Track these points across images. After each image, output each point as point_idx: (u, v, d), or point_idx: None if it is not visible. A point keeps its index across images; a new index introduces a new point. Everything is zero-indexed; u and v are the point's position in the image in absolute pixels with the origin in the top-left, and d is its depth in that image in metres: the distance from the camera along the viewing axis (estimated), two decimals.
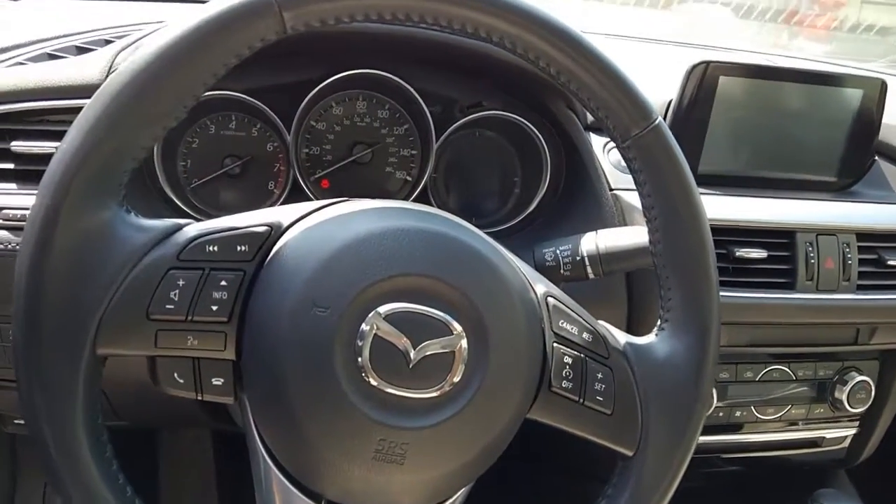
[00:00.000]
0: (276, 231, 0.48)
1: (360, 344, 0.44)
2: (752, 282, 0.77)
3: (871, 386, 0.87)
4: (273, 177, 0.79)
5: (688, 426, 0.53)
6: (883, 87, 0.84)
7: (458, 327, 0.46)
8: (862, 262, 0.80)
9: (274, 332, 0.45)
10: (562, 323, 0.51)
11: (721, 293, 0.76)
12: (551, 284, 0.54)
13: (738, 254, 0.76)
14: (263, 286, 0.46)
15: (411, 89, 0.74)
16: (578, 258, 0.65)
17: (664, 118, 0.83)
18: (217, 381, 0.46)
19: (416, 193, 0.78)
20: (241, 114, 0.78)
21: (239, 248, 0.47)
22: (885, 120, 0.86)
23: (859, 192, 0.87)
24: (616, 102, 0.51)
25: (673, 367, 0.53)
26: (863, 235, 0.81)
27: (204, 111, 0.77)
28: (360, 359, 0.44)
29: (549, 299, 0.52)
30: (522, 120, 0.77)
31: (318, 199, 0.78)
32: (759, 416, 0.86)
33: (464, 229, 0.51)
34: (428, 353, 0.45)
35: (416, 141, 0.79)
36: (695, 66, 0.79)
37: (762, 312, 0.77)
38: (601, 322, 0.54)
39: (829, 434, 0.91)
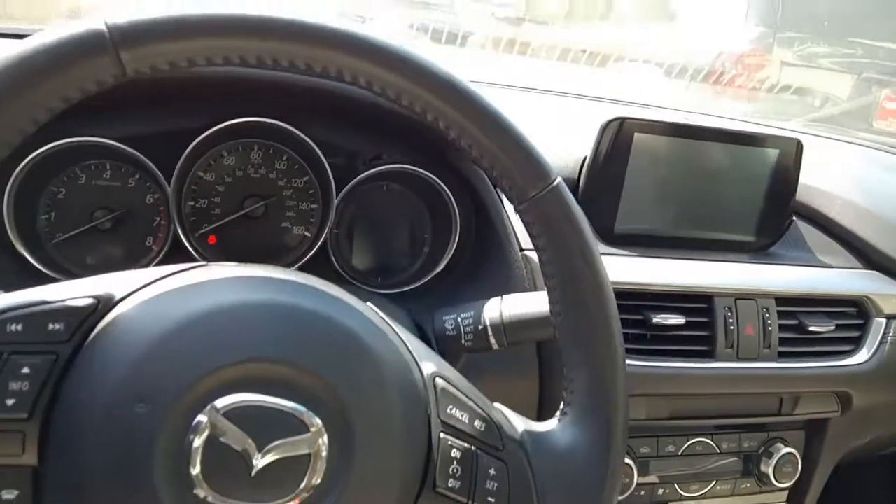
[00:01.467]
0: (103, 305, 0.40)
1: (190, 448, 0.36)
2: (671, 350, 0.72)
3: (797, 459, 0.83)
4: (152, 232, 0.71)
5: None
6: (799, 146, 0.83)
7: (317, 422, 0.39)
8: (782, 327, 0.77)
9: (84, 432, 0.36)
10: (450, 409, 0.45)
11: (639, 363, 0.72)
12: (443, 363, 0.47)
13: (655, 320, 0.71)
14: (78, 374, 0.38)
15: (308, 140, 0.68)
16: (481, 327, 0.59)
17: (578, 175, 0.79)
18: (9, 495, 0.37)
19: (314, 250, 0.71)
20: (116, 162, 0.70)
21: (51, 326, 0.38)
22: (801, 180, 0.85)
23: (778, 253, 0.85)
24: (510, 161, 0.46)
25: (575, 460, 0.46)
26: (782, 300, 0.77)
27: (73, 159, 0.69)
28: (190, 467, 0.36)
29: (438, 380, 0.45)
30: (429, 174, 0.71)
31: (203, 256, 0.71)
32: (682, 493, 0.81)
33: (336, 302, 0.44)
34: (277, 455, 0.37)
35: (317, 194, 0.73)
36: (609, 123, 0.75)
37: (681, 383, 0.72)
38: (497, 405, 0.48)
39: None
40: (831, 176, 0.99)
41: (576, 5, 4.28)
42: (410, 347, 0.46)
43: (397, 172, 0.72)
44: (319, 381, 0.39)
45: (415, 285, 0.72)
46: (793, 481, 0.83)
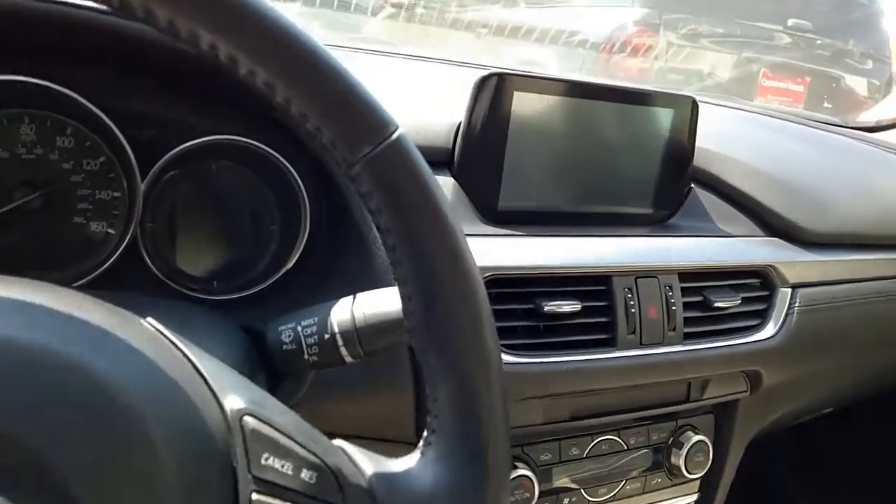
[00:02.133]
0: None
1: None
2: (567, 341, 0.62)
3: (708, 447, 0.76)
4: None
5: None
6: (694, 105, 0.75)
7: None
8: (687, 306, 0.69)
9: None
10: (266, 458, 0.32)
11: (531, 360, 0.61)
12: (259, 394, 0.34)
13: (547, 308, 0.61)
14: None
15: (94, 109, 0.53)
16: (328, 336, 0.46)
17: (452, 146, 0.68)
18: None
19: (120, 251, 0.56)
20: None
21: None
22: (698, 143, 0.77)
23: (678, 224, 0.77)
24: (336, 113, 0.34)
25: None
26: (686, 275, 0.69)
27: None
28: None
29: (247, 420, 0.32)
30: (264, 147, 0.58)
31: None
32: (589, 498, 0.72)
33: (69, 327, 0.31)
34: None
35: (119, 179, 0.58)
36: (484, 80, 0.64)
37: (581, 379, 0.63)
38: (339, 443, 0.36)
39: None
40: (724, 140, 0.93)
41: None
42: (209, 376, 0.33)
43: (225, 147, 0.58)
44: (26, 452, 0.26)
45: (259, 288, 0.59)
46: (705, 471, 0.76)
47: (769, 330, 0.74)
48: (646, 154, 0.75)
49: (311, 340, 0.47)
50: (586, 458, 0.71)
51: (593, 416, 0.67)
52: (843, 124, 1.54)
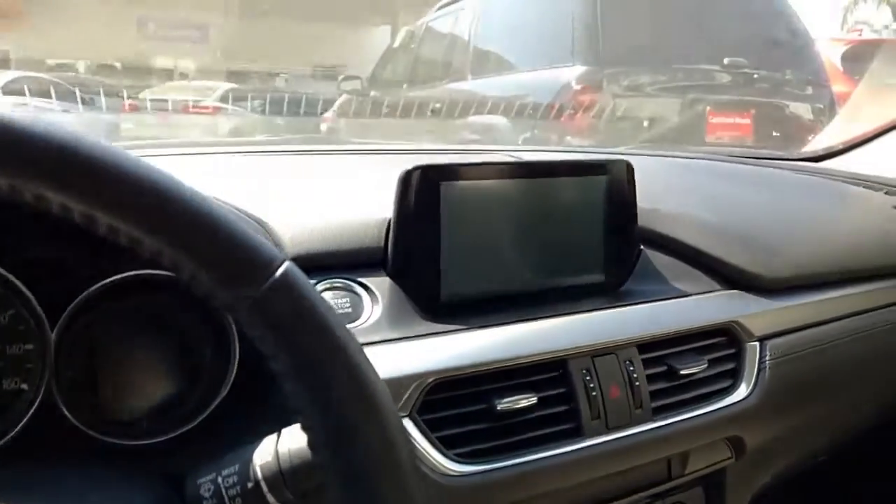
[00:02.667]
0: None
1: None
2: (528, 438, 0.58)
3: None
4: None
5: None
6: (629, 167, 0.74)
7: None
8: (651, 378, 0.65)
9: None
10: None
11: (487, 467, 0.57)
12: None
13: (501, 407, 0.57)
14: None
15: None
16: (251, 485, 0.42)
17: (385, 244, 0.65)
18: None
19: (34, 407, 0.51)
20: None
21: None
22: (641, 204, 0.76)
23: (632, 290, 0.74)
24: (207, 256, 0.31)
25: None
26: (646, 346, 0.66)
27: None
28: None
29: None
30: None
31: None
32: None
33: None
34: None
35: (29, 331, 0.53)
36: (407, 174, 0.62)
37: (546, 478, 0.58)
38: None
39: None
40: (671, 194, 0.92)
41: (416, 71, 4.33)
42: None
43: (139, 282, 0.54)
44: None
45: (190, 425, 0.54)
46: None
47: (743, 390, 0.70)
48: (588, 223, 0.73)
49: (233, 492, 0.42)
50: None
51: None
52: (790, 157, 1.56)
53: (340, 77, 3.48)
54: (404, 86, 4.10)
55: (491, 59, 3.92)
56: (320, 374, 0.32)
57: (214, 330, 0.58)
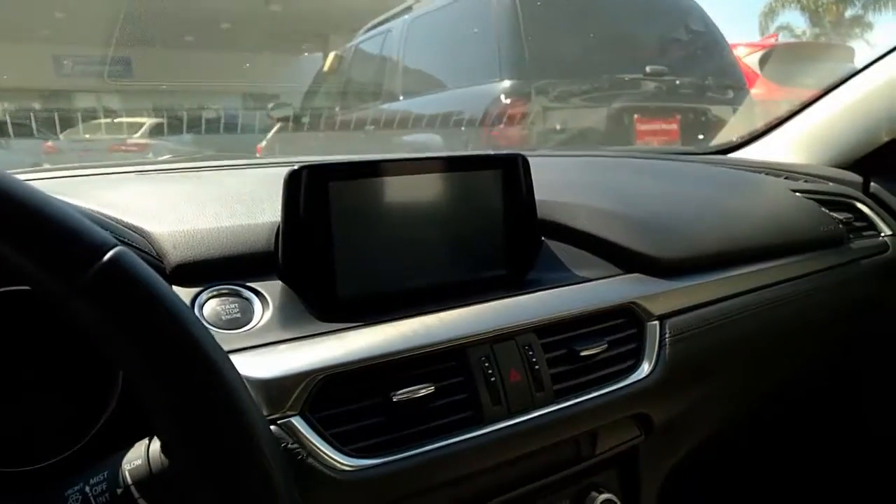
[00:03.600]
0: None
1: None
2: (426, 429, 0.58)
3: (617, 502, 0.72)
4: None
5: None
6: (524, 161, 0.75)
7: None
8: (552, 362, 0.66)
9: None
10: None
11: (391, 458, 0.57)
12: None
13: (397, 398, 0.57)
14: None
15: None
16: (120, 490, 0.40)
17: (275, 246, 0.65)
18: None
19: None
20: None
21: None
22: (546, 197, 0.77)
23: (536, 279, 0.75)
24: (31, 243, 0.31)
25: None
26: (545, 330, 0.67)
27: None
28: None
29: None
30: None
31: None
32: None
33: None
34: None
35: None
36: (292, 174, 0.62)
37: (448, 466, 0.58)
38: None
39: None
40: (575, 188, 0.94)
41: (348, 94, 4.34)
42: None
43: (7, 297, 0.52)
44: None
45: (82, 443, 0.52)
46: None
47: (645, 368, 0.72)
48: (485, 217, 0.74)
49: (101, 500, 0.41)
50: None
51: (483, 502, 0.62)
52: (700, 151, 1.62)
53: (270, 105, 3.46)
54: (337, 109, 4.10)
55: (421, 78, 3.97)
56: (161, 367, 0.32)
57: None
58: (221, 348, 0.35)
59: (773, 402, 0.98)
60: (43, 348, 0.55)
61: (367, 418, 0.56)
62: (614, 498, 0.72)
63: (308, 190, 0.62)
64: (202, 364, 0.32)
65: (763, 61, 4.90)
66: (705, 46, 3.98)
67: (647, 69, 3.67)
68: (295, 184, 0.62)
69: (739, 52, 4.67)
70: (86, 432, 0.54)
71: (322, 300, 0.63)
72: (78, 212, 0.33)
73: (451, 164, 0.72)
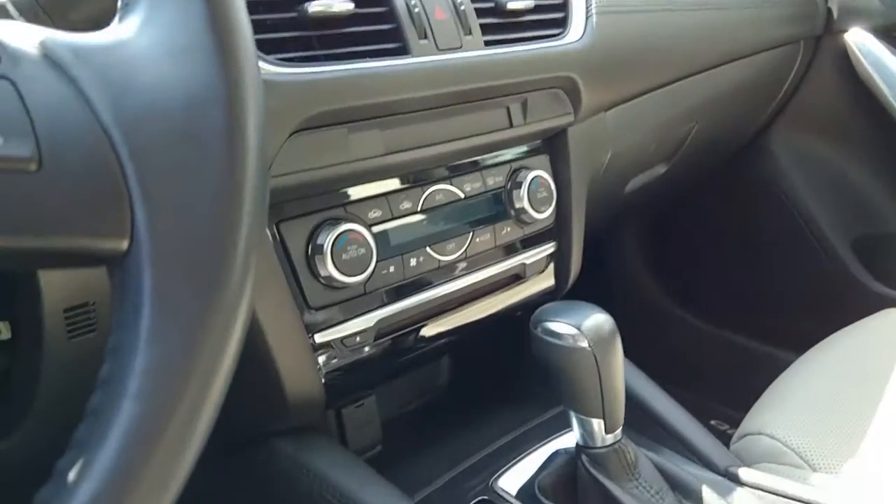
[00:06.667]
0: None
1: None
2: (355, 52, 0.53)
3: (548, 181, 0.71)
4: None
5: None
6: None
7: None
8: (479, 12, 0.62)
9: None
10: None
11: (318, 68, 0.52)
12: None
13: (312, 10, 0.51)
14: None
15: None
16: None
17: None
18: None
19: None
20: None
21: None
22: None
23: None
24: None
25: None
26: None
27: None
28: None
29: None
30: None
31: None
32: (439, 256, 0.64)
33: None
34: None
35: None
36: None
37: (380, 87, 0.54)
38: None
39: (529, 259, 0.73)
40: None
41: None
42: None
43: None
44: None
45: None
46: (552, 207, 0.72)
47: (574, 34, 0.70)
48: None
49: None
50: (421, 210, 0.63)
51: (413, 149, 0.59)
52: None
53: None
54: None
55: None
56: None
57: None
58: None
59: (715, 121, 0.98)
60: None
61: (285, 31, 0.51)
62: (545, 175, 0.71)
63: None
64: None
65: None
66: None
67: None
68: None
69: None
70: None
71: None
72: None
73: None
